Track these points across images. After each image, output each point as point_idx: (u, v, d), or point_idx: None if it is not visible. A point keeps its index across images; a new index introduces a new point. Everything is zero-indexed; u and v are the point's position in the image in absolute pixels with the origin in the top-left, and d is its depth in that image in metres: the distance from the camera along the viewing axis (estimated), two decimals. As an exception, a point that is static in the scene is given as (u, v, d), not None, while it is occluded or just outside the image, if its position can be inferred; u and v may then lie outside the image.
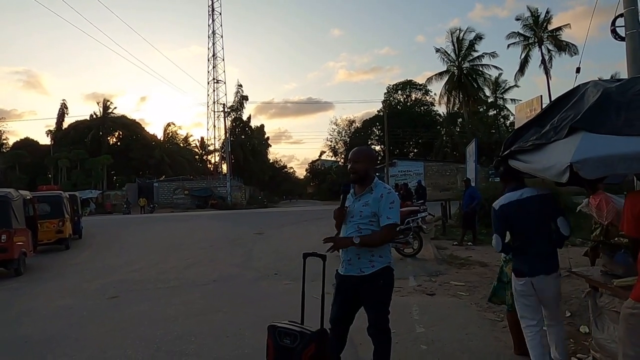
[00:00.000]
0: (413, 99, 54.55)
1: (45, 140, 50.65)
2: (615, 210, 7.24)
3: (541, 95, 10.07)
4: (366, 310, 3.04)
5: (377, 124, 50.38)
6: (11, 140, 50.18)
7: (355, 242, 2.89)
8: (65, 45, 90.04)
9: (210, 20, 51.79)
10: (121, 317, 5.70)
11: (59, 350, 4.58)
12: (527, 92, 71.97)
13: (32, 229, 10.27)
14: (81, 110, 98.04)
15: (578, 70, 8.58)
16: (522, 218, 3.22)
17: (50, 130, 50.22)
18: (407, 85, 54.30)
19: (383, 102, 52.15)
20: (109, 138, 51.00)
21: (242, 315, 5.50)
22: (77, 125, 49.51)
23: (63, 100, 53.68)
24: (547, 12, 39.70)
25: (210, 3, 51.62)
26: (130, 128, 51.26)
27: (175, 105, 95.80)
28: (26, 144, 48.22)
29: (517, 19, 40.24)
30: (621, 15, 7.00)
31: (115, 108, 51.28)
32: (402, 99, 54.72)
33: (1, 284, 8.35)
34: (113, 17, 70.93)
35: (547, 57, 39.28)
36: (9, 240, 8.84)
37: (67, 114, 51.29)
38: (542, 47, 39.50)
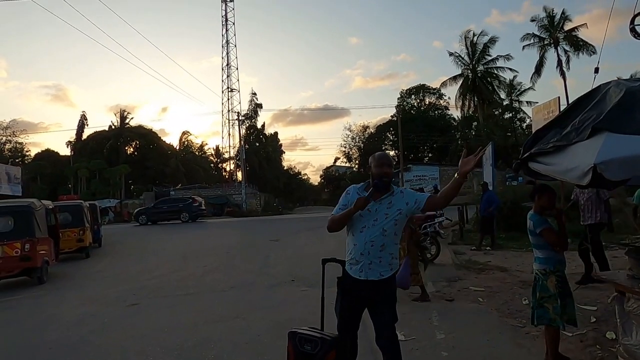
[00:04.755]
0: (427, 103, 54.25)
1: (65, 151, 51.89)
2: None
3: (559, 97, 9.91)
4: (379, 316, 2.83)
5: (391, 129, 50.16)
6: (35, 152, 51.63)
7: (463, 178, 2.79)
8: (90, 61, 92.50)
9: (224, 30, 52.59)
10: (142, 324, 5.78)
11: (83, 356, 4.68)
12: (544, 94, 70.92)
13: (54, 238, 10.48)
14: (103, 121, 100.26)
15: (597, 70, 8.39)
16: None
17: (70, 142, 51.43)
18: (421, 90, 54.03)
19: (396, 107, 52.00)
20: (126, 148, 51.91)
21: (261, 322, 5.51)
22: (96, 136, 50.53)
23: (83, 112, 54.91)
24: (563, 13, 39.10)
25: (223, 13, 52.48)
26: (147, 138, 52.05)
27: (192, 114, 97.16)
28: (47, 155, 49.40)
29: (532, 20, 39.72)
30: (640, 13, 6.89)
31: (132, 118, 52.34)
32: (415, 104, 54.45)
33: (25, 292, 8.54)
34: (134, 33, 72.83)
35: (563, 58, 38.60)
36: (33, 249, 9.04)
37: (87, 125, 52.37)
38: (558, 48, 38.89)
